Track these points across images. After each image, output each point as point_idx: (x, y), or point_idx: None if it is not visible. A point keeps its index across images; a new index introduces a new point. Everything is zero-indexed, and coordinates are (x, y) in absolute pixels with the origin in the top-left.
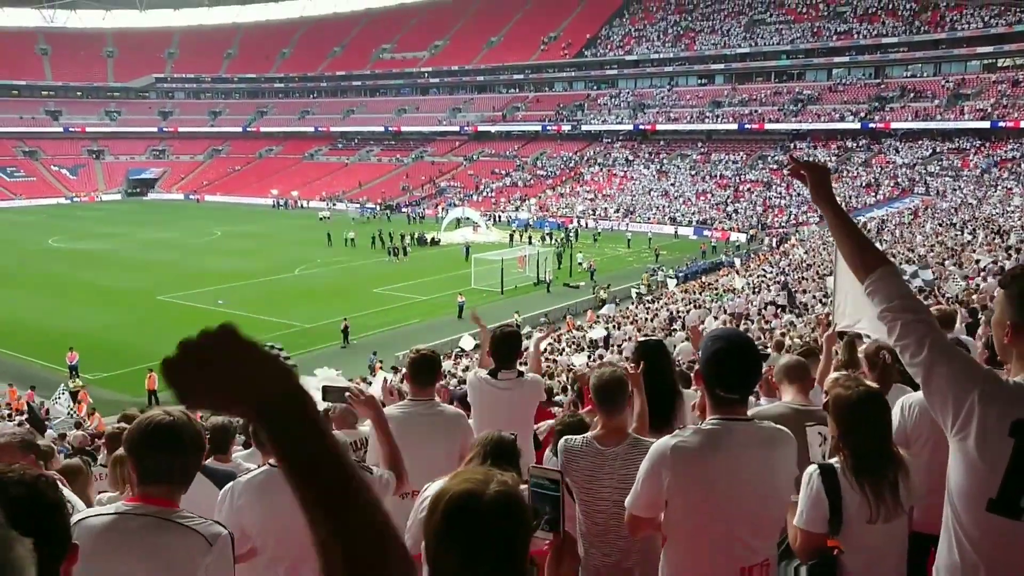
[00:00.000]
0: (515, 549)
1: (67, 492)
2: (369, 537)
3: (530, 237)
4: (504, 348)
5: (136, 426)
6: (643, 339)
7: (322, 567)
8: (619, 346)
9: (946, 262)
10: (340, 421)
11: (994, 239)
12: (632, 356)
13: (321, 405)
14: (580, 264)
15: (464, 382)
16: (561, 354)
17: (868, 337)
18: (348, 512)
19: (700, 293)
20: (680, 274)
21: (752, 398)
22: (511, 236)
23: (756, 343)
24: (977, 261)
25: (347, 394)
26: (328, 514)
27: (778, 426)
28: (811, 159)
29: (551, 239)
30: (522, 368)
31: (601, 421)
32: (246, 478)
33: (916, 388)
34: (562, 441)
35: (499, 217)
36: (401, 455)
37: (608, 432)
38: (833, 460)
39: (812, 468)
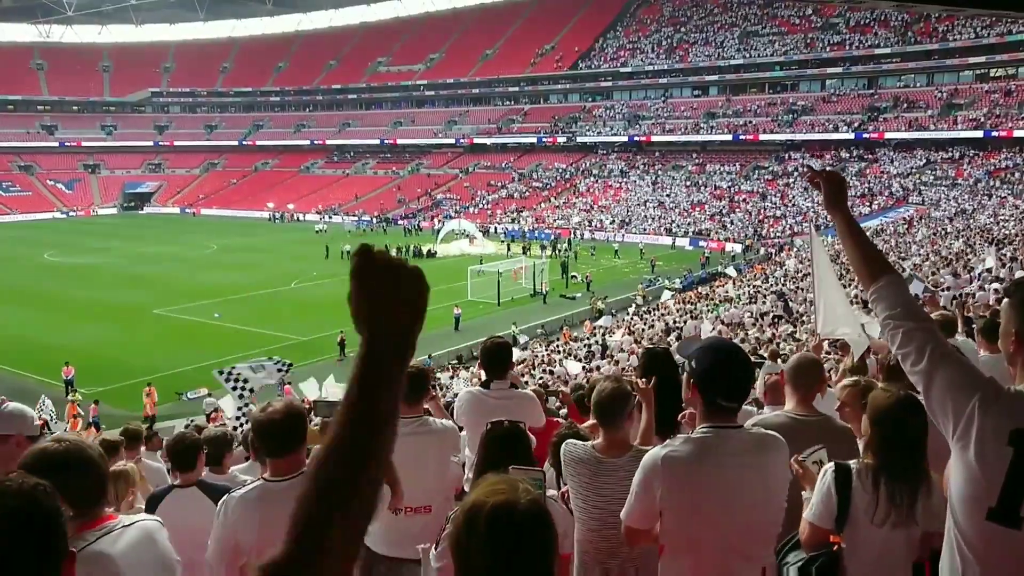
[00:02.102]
0: (548, 552)
1: None
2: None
3: (524, 248)
4: (494, 359)
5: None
6: (650, 347)
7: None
8: (613, 356)
9: (941, 271)
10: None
11: (988, 248)
12: (639, 364)
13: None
14: (574, 277)
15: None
16: (559, 365)
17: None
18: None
19: (696, 304)
20: (675, 284)
21: (755, 407)
22: (508, 247)
23: (751, 353)
24: (971, 270)
25: (338, 407)
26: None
27: (770, 432)
28: (806, 171)
29: (553, 250)
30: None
31: (602, 435)
32: (240, 493)
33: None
34: (564, 445)
35: (493, 229)
36: (394, 467)
37: (609, 445)
38: (852, 461)
39: (828, 465)
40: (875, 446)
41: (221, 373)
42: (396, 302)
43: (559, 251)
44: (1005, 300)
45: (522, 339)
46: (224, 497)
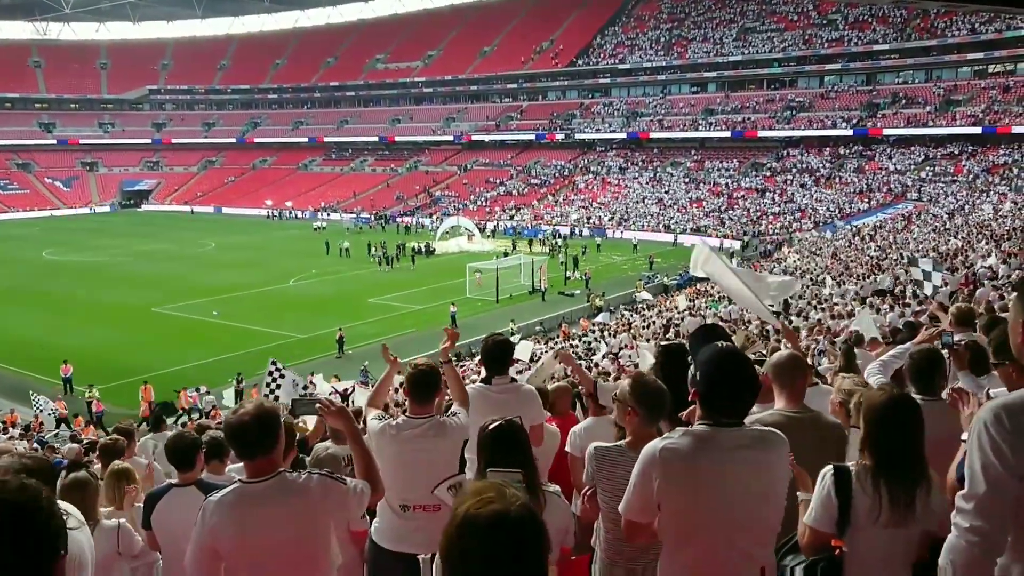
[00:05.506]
0: (542, 554)
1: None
2: None
3: (513, 244)
4: (495, 356)
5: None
6: (666, 343)
7: None
8: (615, 354)
9: (940, 267)
10: (334, 436)
11: (987, 244)
12: (656, 358)
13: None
14: (569, 277)
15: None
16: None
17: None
18: None
19: (696, 300)
20: (672, 281)
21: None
22: (514, 244)
23: (751, 348)
24: (970, 266)
25: (317, 406)
26: None
27: (771, 428)
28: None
29: (560, 250)
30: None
31: (635, 427)
32: (216, 496)
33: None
34: (593, 447)
35: (493, 227)
36: (376, 465)
37: (638, 439)
38: (851, 463)
39: (827, 468)
40: (870, 446)
41: (274, 363)
42: None
43: (557, 247)
44: (1014, 294)
45: (515, 338)
46: (203, 501)
